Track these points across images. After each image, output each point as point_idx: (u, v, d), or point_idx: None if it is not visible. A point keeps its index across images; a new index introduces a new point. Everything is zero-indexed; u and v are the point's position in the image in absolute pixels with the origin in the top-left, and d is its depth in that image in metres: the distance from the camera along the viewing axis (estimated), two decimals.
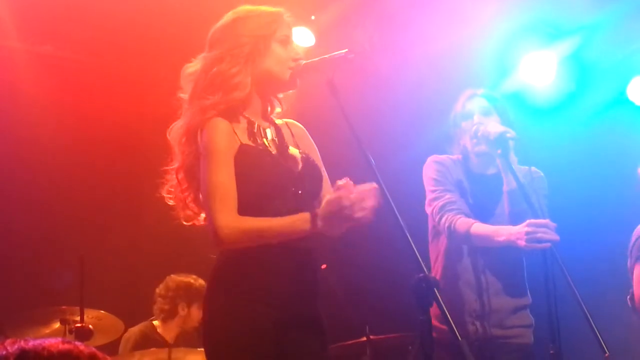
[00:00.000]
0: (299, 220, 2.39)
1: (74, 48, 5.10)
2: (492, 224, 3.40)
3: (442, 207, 3.46)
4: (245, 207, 2.44)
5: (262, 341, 2.42)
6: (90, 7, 4.73)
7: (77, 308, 4.40)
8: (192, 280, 4.95)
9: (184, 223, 2.62)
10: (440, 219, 3.45)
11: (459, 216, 3.40)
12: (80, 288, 4.35)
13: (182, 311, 4.92)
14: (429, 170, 3.58)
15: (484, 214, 3.46)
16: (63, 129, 5.12)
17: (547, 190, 3.55)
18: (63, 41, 5.03)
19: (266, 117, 2.67)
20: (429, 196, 3.53)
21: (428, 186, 3.55)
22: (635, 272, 4.01)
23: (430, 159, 3.61)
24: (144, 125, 5.07)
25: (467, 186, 3.54)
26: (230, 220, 2.39)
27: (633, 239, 4.13)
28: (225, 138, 2.47)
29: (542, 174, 3.58)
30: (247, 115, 2.57)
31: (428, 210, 3.53)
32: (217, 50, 2.56)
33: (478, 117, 3.48)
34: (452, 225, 3.39)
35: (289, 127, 2.71)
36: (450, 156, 3.63)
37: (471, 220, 3.39)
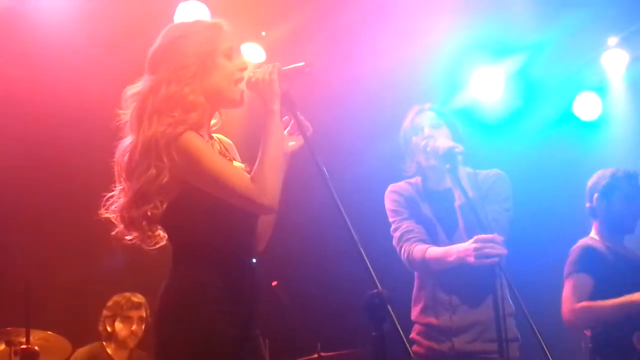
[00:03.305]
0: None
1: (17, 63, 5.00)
2: (457, 237, 3.40)
3: (400, 238, 3.50)
4: (209, 216, 2.44)
5: (221, 352, 2.40)
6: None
7: (23, 329, 4.30)
8: (118, 297, 4.89)
9: (128, 241, 2.55)
10: (400, 250, 3.50)
11: (415, 244, 3.44)
12: (26, 309, 4.25)
13: (109, 328, 4.85)
14: (387, 202, 3.62)
15: (448, 230, 3.47)
16: (8, 150, 5.01)
17: (510, 191, 3.54)
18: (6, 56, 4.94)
19: (210, 133, 2.65)
20: (391, 227, 3.57)
21: (389, 217, 3.60)
22: (564, 288, 4.12)
23: (388, 189, 3.64)
24: (89, 145, 5.01)
25: (428, 206, 3.55)
26: (255, 187, 2.38)
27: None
28: (203, 140, 2.47)
29: (502, 175, 3.57)
30: (201, 133, 2.55)
31: (393, 242, 3.57)
32: (161, 73, 2.51)
33: (428, 130, 3.49)
34: (410, 254, 3.43)
35: (221, 142, 2.71)
36: (409, 180, 3.65)
37: (425, 246, 3.42)
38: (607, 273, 4.03)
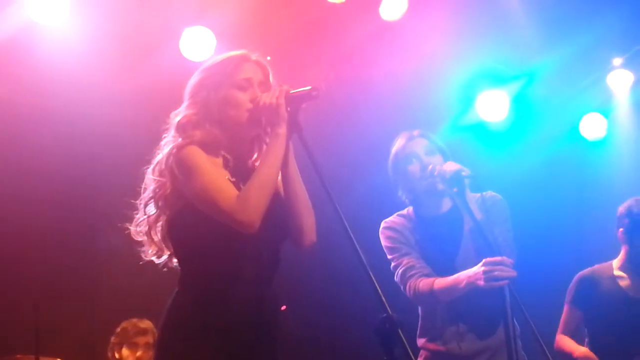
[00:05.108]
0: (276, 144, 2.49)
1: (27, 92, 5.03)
2: (459, 261, 3.39)
3: (402, 275, 3.47)
4: (206, 235, 2.46)
5: None
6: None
7: (33, 357, 4.29)
8: (125, 323, 4.88)
9: (144, 258, 2.62)
10: (405, 287, 3.46)
11: (419, 279, 3.41)
12: (35, 335, 4.25)
13: (117, 355, 4.83)
14: (383, 239, 3.59)
15: (449, 256, 3.46)
16: (16, 175, 5.03)
17: (508, 212, 3.54)
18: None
19: (242, 157, 2.66)
20: (391, 265, 3.54)
21: (387, 255, 3.57)
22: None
23: (381, 226, 3.62)
24: (98, 169, 5.03)
25: (424, 235, 3.52)
26: (237, 203, 2.39)
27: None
28: (204, 156, 2.49)
29: (498, 198, 3.55)
30: (223, 153, 2.59)
31: (395, 278, 3.54)
32: (184, 102, 2.63)
33: (426, 158, 3.47)
34: (416, 290, 3.40)
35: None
36: (400, 212, 3.62)
37: (431, 279, 3.38)
38: (598, 307, 4.20)
